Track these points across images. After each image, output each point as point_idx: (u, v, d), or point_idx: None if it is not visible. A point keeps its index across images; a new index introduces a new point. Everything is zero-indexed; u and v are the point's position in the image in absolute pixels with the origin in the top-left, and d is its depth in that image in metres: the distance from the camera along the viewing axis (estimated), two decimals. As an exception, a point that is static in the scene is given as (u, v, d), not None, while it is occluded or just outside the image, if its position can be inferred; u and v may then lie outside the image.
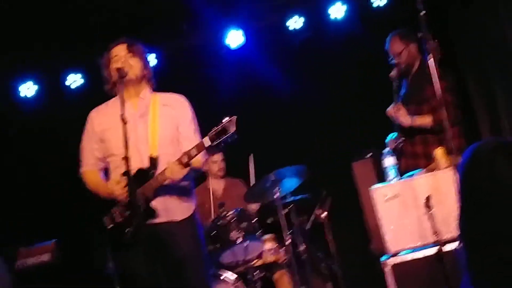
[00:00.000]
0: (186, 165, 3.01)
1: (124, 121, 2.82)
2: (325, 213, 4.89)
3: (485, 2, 4.92)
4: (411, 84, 4.21)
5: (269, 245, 4.54)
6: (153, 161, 3.14)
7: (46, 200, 5.50)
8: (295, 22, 5.72)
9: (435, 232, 3.24)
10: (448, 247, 3.19)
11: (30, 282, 4.46)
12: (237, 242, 4.23)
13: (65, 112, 5.50)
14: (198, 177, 3.61)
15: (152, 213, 3.12)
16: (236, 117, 2.93)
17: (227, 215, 4.30)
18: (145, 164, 3.13)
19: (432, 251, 3.29)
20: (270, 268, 4.56)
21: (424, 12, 3.12)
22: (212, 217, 4.58)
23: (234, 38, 5.75)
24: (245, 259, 4.32)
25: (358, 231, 4.52)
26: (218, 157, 5.12)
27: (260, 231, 4.42)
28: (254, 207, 4.82)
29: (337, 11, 5.63)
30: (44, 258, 4.52)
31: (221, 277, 4.24)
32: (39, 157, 5.60)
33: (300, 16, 5.71)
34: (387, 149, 3.81)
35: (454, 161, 3.22)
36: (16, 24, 5.04)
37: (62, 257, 4.58)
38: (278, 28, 5.76)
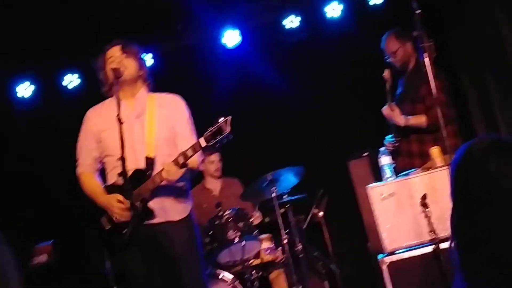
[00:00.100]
0: (183, 165, 3.00)
1: (120, 122, 2.83)
2: (322, 212, 4.91)
3: (480, 1, 4.93)
4: (406, 82, 4.23)
5: (266, 245, 4.55)
6: (150, 162, 3.13)
7: (42, 200, 5.48)
8: (291, 22, 5.71)
9: (431, 230, 3.25)
10: (444, 245, 3.22)
11: (28, 283, 4.45)
12: (234, 242, 4.23)
13: (62, 112, 5.49)
14: (195, 177, 3.60)
15: (150, 213, 3.12)
16: (231, 117, 2.92)
17: (224, 214, 4.30)
18: (142, 164, 3.13)
19: (428, 249, 3.31)
20: (267, 267, 4.57)
21: (419, 11, 3.13)
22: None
23: (231, 37, 5.74)
24: (242, 258, 4.32)
25: (354, 230, 4.53)
26: (215, 157, 5.12)
27: (257, 231, 4.43)
28: (256, 219, 4.76)
29: (333, 10, 5.63)
30: (41, 259, 4.52)
31: (219, 277, 4.24)
32: (36, 158, 5.58)
33: (296, 15, 5.71)
34: (383, 148, 3.83)
35: (450, 160, 3.23)
36: (13, 24, 5.03)
37: (59, 258, 4.57)
38: (274, 27, 5.76)
